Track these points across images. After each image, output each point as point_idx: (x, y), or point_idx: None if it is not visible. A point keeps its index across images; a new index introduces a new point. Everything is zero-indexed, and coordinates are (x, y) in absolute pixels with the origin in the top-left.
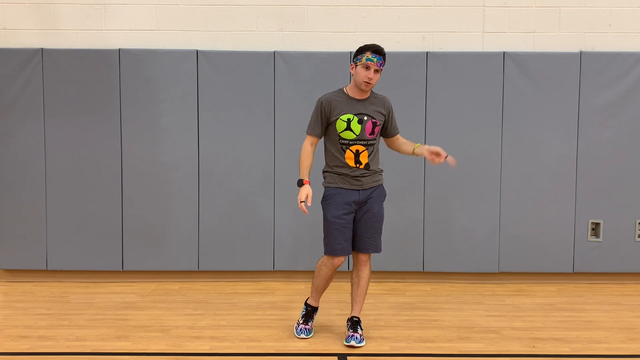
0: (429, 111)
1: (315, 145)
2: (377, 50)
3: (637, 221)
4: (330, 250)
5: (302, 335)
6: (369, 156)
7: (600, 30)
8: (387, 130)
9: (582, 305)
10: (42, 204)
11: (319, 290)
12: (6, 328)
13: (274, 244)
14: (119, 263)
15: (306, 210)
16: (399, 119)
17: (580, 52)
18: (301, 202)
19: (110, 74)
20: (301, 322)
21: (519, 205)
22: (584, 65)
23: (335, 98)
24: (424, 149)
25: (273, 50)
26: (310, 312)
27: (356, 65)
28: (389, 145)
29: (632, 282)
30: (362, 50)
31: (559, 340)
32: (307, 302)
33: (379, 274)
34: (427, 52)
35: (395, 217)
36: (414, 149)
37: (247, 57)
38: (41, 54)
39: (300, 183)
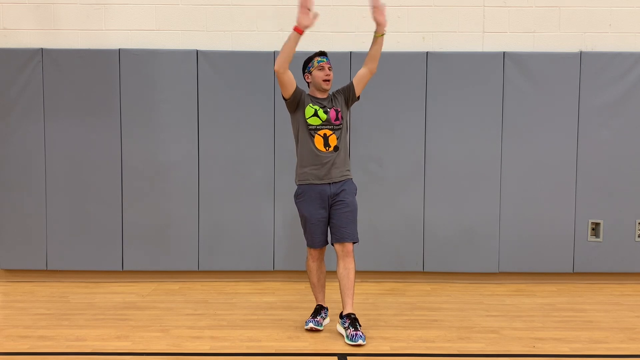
0: (429, 111)
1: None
2: (322, 52)
3: (637, 221)
4: (311, 243)
5: (310, 325)
6: (337, 139)
7: (600, 30)
8: (355, 86)
9: (582, 305)
10: (42, 204)
11: (315, 286)
12: (6, 328)
13: (274, 244)
14: (119, 263)
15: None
16: (399, 118)
17: (580, 52)
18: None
19: (110, 74)
20: (310, 317)
21: (519, 205)
22: (584, 65)
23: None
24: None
25: (273, 50)
26: (317, 310)
27: (310, 73)
28: (371, 67)
29: (632, 282)
30: (309, 59)
31: (559, 340)
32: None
33: (379, 274)
34: (427, 52)
35: (395, 217)
36: (374, 37)
37: (247, 57)
38: (41, 54)
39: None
